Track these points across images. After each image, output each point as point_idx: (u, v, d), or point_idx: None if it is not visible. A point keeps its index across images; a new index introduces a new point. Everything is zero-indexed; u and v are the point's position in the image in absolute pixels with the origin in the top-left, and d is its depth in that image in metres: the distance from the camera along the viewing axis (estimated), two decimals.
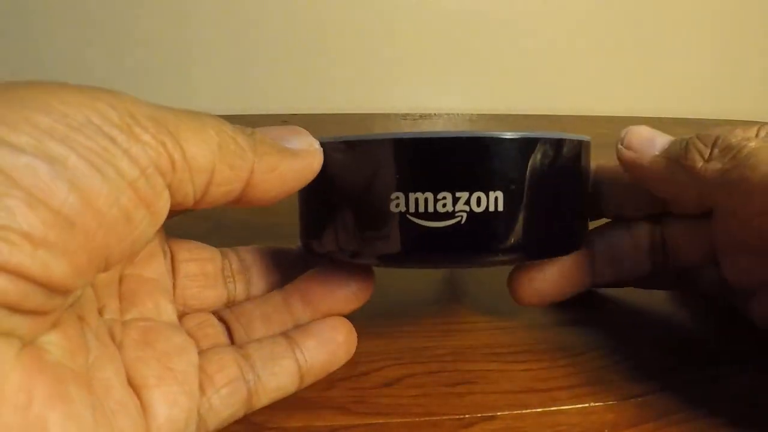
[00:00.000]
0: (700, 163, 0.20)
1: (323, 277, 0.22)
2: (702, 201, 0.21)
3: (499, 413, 0.21)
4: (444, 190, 0.18)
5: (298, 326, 0.21)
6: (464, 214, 0.18)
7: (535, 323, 0.26)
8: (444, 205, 0.18)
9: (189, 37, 0.57)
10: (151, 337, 0.18)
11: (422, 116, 0.58)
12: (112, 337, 0.17)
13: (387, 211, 0.19)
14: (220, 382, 0.18)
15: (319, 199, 0.20)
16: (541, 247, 0.20)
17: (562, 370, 0.23)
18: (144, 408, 0.16)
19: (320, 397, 0.21)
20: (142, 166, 0.14)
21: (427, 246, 0.19)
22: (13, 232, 0.12)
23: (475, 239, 0.19)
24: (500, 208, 0.18)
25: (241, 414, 0.18)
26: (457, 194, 0.18)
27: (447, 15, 0.60)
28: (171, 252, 0.21)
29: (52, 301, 0.13)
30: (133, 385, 0.16)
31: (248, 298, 0.22)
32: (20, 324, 0.13)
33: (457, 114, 0.60)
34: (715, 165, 0.20)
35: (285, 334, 0.20)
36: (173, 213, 0.17)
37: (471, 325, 0.25)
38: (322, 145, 0.19)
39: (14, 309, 0.13)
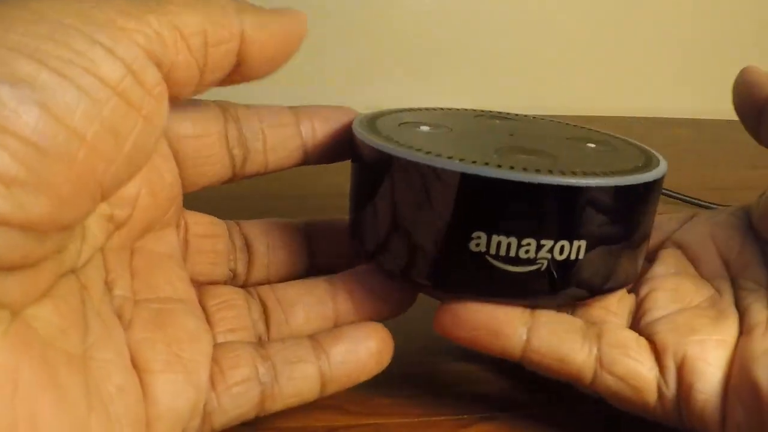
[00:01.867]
0: None
1: (371, 276, 0.20)
2: None
3: (497, 413, 0.20)
4: (529, 237, 0.17)
5: (328, 331, 0.19)
6: (545, 261, 0.17)
7: None
8: (527, 252, 0.17)
9: None
10: (164, 319, 0.17)
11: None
12: (121, 316, 0.16)
13: (465, 248, 0.17)
14: (232, 379, 0.17)
15: (385, 207, 0.19)
16: (610, 283, 0.19)
17: None
18: (145, 393, 0.15)
19: (319, 397, 0.21)
20: (128, 62, 0.12)
21: (501, 286, 0.18)
22: None
23: (551, 284, 0.18)
24: (581, 256, 0.18)
25: (251, 416, 0.18)
26: (542, 242, 0.17)
27: (446, 15, 0.60)
28: (185, 224, 0.20)
29: (41, 246, 0.12)
30: (136, 367, 0.15)
31: (246, 280, 0.21)
32: (8, 287, 0.12)
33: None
34: None
35: (312, 337, 0.19)
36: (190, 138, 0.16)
37: None
38: (405, 162, 0.18)
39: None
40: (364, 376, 0.19)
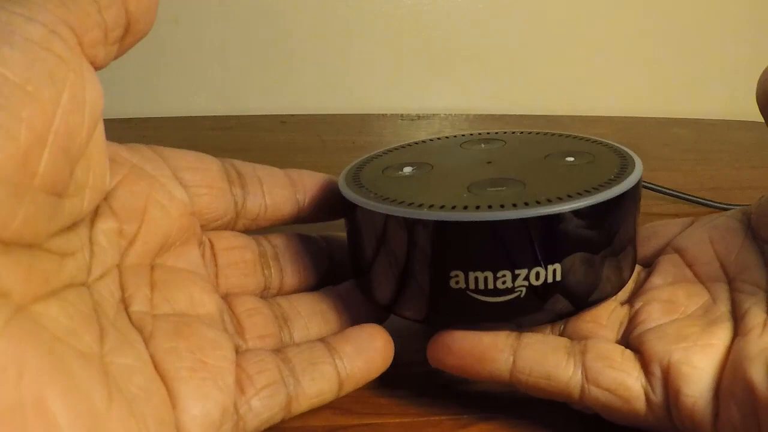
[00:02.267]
0: None
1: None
2: None
3: (497, 413, 0.21)
4: (503, 269, 0.18)
5: (336, 334, 0.20)
6: (523, 289, 0.18)
7: None
8: (504, 283, 0.18)
9: (188, 38, 0.57)
10: (185, 330, 0.17)
11: (419, 116, 0.58)
12: (141, 329, 0.16)
13: (447, 286, 0.19)
14: (260, 383, 0.18)
15: (376, 255, 0.20)
16: (595, 295, 0.20)
17: None
18: (174, 401, 0.15)
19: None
20: (48, 25, 0.13)
21: (485, 316, 0.19)
22: None
23: (533, 308, 0.19)
24: (558, 278, 0.18)
25: (279, 418, 0.18)
26: (517, 271, 0.18)
27: (445, 15, 0.60)
28: (210, 242, 0.21)
29: (24, 208, 0.12)
30: (162, 376, 0.16)
31: (282, 285, 0.22)
32: (7, 271, 0.12)
33: (454, 114, 0.60)
34: None
35: (323, 340, 0.20)
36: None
37: None
38: (382, 215, 0.19)
39: None
40: (375, 374, 0.20)
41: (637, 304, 0.21)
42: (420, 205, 0.19)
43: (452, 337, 0.19)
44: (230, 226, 0.21)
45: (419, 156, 0.24)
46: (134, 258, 0.18)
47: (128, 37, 0.16)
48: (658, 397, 0.18)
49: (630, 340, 0.20)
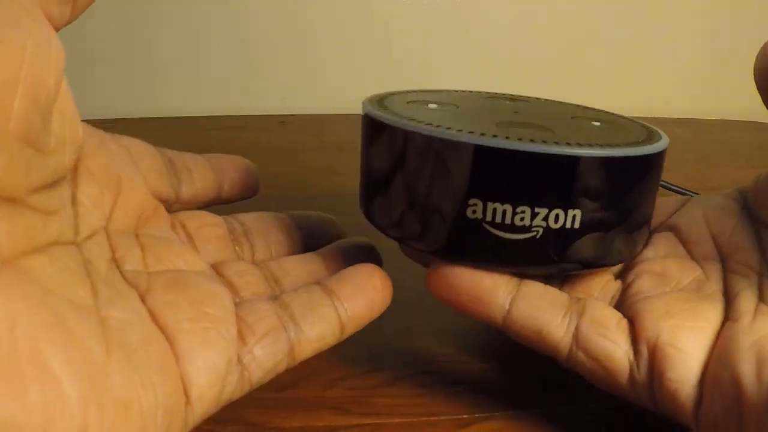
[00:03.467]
0: None
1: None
2: None
3: (496, 413, 0.21)
4: (524, 204, 0.18)
5: (333, 276, 0.20)
6: (540, 229, 0.18)
7: None
8: (522, 219, 0.18)
9: (188, 37, 0.57)
10: (182, 283, 0.17)
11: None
12: (136, 286, 0.16)
13: (463, 215, 0.18)
14: (260, 331, 0.17)
15: (390, 177, 0.20)
16: (609, 256, 0.19)
17: (560, 370, 0.23)
18: (177, 352, 0.15)
19: (319, 398, 0.21)
20: None
21: (498, 253, 0.18)
22: None
23: (546, 253, 0.18)
24: (576, 225, 0.18)
25: (283, 366, 0.18)
26: (537, 209, 0.18)
27: (445, 15, 0.60)
28: (181, 222, 0.21)
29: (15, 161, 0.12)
30: (163, 329, 0.15)
31: (254, 261, 0.22)
32: None
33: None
34: None
35: (319, 283, 0.19)
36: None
37: (470, 325, 0.25)
38: (404, 131, 0.19)
39: None
40: (375, 313, 0.19)
41: (629, 278, 0.20)
42: (448, 128, 0.18)
43: (454, 272, 0.19)
44: (169, 211, 0.21)
45: (444, 98, 0.23)
46: (119, 224, 0.18)
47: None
48: (642, 375, 0.17)
49: (623, 312, 0.19)
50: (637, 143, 0.19)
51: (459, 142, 0.17)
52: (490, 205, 0.18)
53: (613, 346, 0.18)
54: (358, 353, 0.23)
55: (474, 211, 0.18)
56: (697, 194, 0.34)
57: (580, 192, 0.18)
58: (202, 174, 0.22)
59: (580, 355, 0.18)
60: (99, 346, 0.13)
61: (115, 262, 0.17)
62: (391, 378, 0.22)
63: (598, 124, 0.21)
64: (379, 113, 0.20)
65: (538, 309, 0.18)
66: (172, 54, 0.57)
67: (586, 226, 0.18)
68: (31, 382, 0.11)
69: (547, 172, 0.17)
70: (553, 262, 0.19)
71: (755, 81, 0.20)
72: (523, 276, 0.19)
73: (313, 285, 0.19)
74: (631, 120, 0.23)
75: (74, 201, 0.16)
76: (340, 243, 0.22)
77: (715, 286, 0.19)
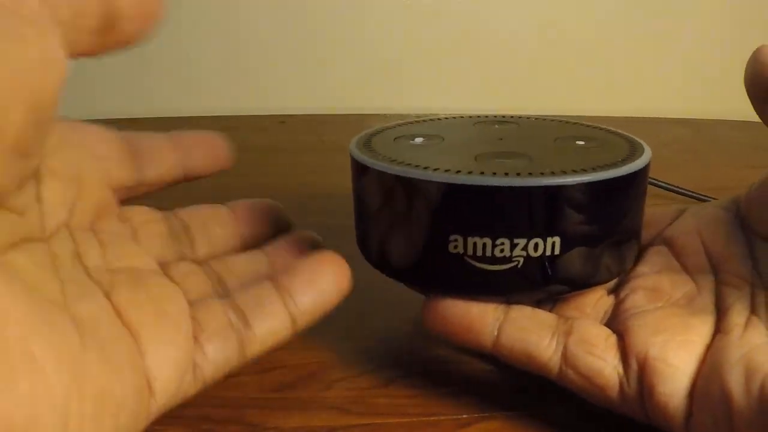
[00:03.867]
0: None
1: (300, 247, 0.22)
2: None
3: (496, 413, 0.21)
4: (502, 237, 0.18)
5: (284, 269, 0.20)
6: (521, 259, 0.18)
7: None
8: (502, 251, 0.18)
9: (188, 37, 0.57)
10: (141, 282, 0.17)
11: (419, 117, 0.58)
12: (99, 283, 0.17)
13: (445, 251, 0.19)
14: (210, 329, 0.18)
15: (376, 214, 0.20)
16: (596, 276, 0.20)
17: None
18: (141, 347, 0.16)
19: (318, 398, 0.21)
20: None
21: (483, 284, 0.19)
22: None
23: (530, 280, 0.19)
24: (557, 251, 0.18)
25: (235, 363, 0.18)
26: (516, 240, 0.18)
27: (445, 15, 0.60)
28: (127, 218, 0.21)
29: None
30: (127, 325, 0.16)
31: (195, 256, 0.22)
32: None
33: (454, 114, 0.60)
34: None
35: (270, 277, 0.20)
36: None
37: None
38: (385, 174, 0.19)
39: None
40: (330, 303, 0.20)
41: (622, 293, 0.21)
42: (425, 168, 0.19)
43: (444, 304, 0.20)
44: (132, 194, 0.21)
45: (431, 129, 0.24)
46: (78, 219, 0.18)
47: (111, 34, 0.15)
48: (632, 389, 0.18)
49: (614, 328, 0.20)
50: (615, 164, 0.19)
51: (433, 182, 0.18)
52: (470, 240, 0.18)
53: (601, 363, 0.18)
54: (358, 354, 0.23)
55: (455, 246, 0.18)
56: (698, 195, 0.34)
57: (557, 220, 0.18)
58: (165, 154, 0.22)
59: (570, 373, 0.18)
60: (76, 340, 0.13)
61: (78, 258, 0.17)
62: (391, 378, 0.22)
63: (582, 143, 0.22)
64: (361, 155, 0.20)
65: (526, 332, 0.19)
66: (172, 54, 0.57)
67: (568, 251, 0.19)
68: (21, 375, 0.11)
69: (520, 204, 0.18)
70: (537, 288, 0.19)
71: (746, 88, 0.20)
72: (512, 302, 0.20)
73: (264, 281, 0.19)
74: (618, 134, 0.23)
75: (39, 198, 0.16)
76: (286, 238, 0.22)
77: (708, 298, 0.19)
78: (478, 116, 0.26)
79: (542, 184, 0.18)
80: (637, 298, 0.20)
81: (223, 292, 0.20)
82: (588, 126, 0.25)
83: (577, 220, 0.18)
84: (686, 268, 0.21)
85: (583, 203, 0.18)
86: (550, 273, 0.19)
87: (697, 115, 0.63)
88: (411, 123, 0.25)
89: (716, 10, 0.63)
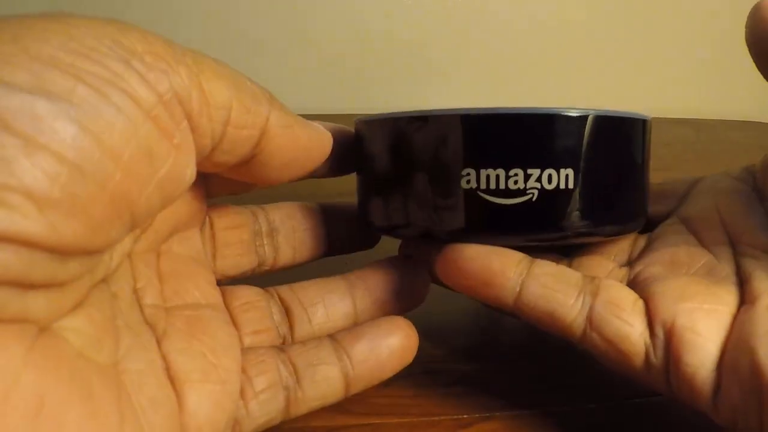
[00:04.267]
0: None
1: (386, 273, 0.21)
2: None
3: (496, 413, 0.20)
4: (515, 167, 0.18)
5: (348, 329, 0.19)
6: (535, 191, 0.18)
7: None
8: (515, 182, 0.18)
9: (188, 37, 0.57)
10: (198, 328, 0.17)
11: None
12: (154, 326, 0.16)
13: (458, 187, 0.18)
14: (259, 386, 0.17)
15: (384, 173, 0.20)
16: (610, 223, 0.20)
17: (560, 370, 0.23)
18: (182, 405, 0.15)
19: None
20: (160, 92, 0.12)
21: (497, 223, 0.18)
22: (11, 191, 0.10)
23: (545, 217, 0.18)
24: (570, 185, 0.18)
25: (277, 421, 0.18)
26: (529, 171, 0.18)
27: (445, 15, 0.60)
28: (210, 220, 0.20)
29: (67, 268, 0.11)
30: (173, 378, 0.15)
31: (275, 262, 0.21)
32: (34, 304, 0.11)
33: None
34: None
35: (332, 337, 0.19)
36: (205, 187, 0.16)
37: (470, 325, 0.25)
38: (390, 120, 0.19)
39: (22, 285, 0.11)
40: (388, 373, 0.19)
41: (637, 267, 0.20)
42: (432, 109, 0.19)
43: (462, 255, 0.18)
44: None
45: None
46: (144, 245, 0.17)
47: (243, 172, 0.16)
48: (658, 359, 0.17)
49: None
50: (626, 112, 0.19)
51: (444, 116, 0.18)
52: (483, 173, 0.18)
53: (629, 328, 0.17)
54: None
55: (468, 181, 0.18)
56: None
57: (569, 151, 0.18)
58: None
59: (594, 336, 0.17)
60: (115, 413, 0.13)
61: (136, 295, 0.16)
62: (391, 378, 0.22)
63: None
64: (366, 118, 0.20)
65: (550, 289, 0.18)
66: None
67: (581, 186, 0.18)
68: None
69: (533, 133, 0.18)
70: (553, 228, 0.19)
71: (748, 45, 0.19)
72: (530, 251, 0.19)
73: (325, 339, 0.19)
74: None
75: None
76: (374, 267, 0.21)
77: (728, 269, 0.19)
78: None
79: (554, 113, 0.18)
80: (654, 269, 0.19)
81: (287, 328, 0.19)
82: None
83: (589, 154, 0.18)
84: (703, 242, 0.20)
85: (593, 137, 0.18)
86: (564, 210, 0.18)
87: (697, 115, 0.63)
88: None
89: (717, 10, 0.63)
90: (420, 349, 0.23)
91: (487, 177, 0.18)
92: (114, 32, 0.12)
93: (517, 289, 0.18)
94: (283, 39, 0.59)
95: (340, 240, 0.22)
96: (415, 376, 0.22)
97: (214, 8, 0.57)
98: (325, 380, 0.18)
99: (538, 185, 0.18)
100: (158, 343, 0.16)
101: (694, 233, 0.21)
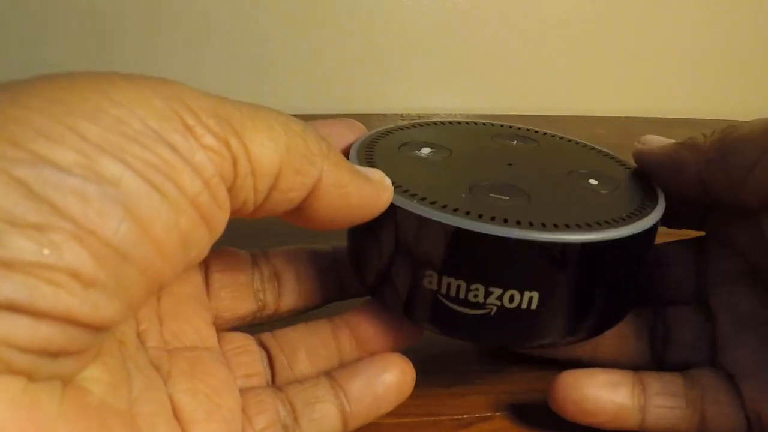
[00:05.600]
0: (701, 140, 0.21)
1: (374, 312, 0.20)
2: (700, 178, 0.20)
3: (497, 413, 0.20)
4: (477, 282, 0.17)
5: (344, 365, 0.19)
6: (494, 308, 0.17)
7: None
8: (475, 296, 0.17)
9: (188, 37, 0.57)
10: (199, 369, 0.17)
11: (420, 117, 0.58)
12: (159, 368, 0.16)
13: (420, 284, 0.18)
14: (259, 425, 0.17)
15: (365, 236, 0.20)
16: (575, 335, 0.19)
17: (560, 370, 0.23)
18: None
19: None
20: (206, 177, 0.12)
21: (453, 325, 0.18)
22: (60, 272, 0.10)
23: (502, 330, 0.18)
24: (533, 306, 0.17)
25: None
26: (491, 288, 0.17)
27: (444, 14, 0.60)
28: (205, 262, 0.20)
29: (98, 339, 0.12)
30: (180, 419, 0.15)
31: (278, 307, 0.21)
32: (64, 365, 0.12)
33: (455, 114, 0.60)
34: (713, 138, 0.21)
35: (329, 375, 0.19)
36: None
37: None
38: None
39: (59, 355, 0.11)
40: (386, 409, 0.19)
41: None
42: (412, 195, 0.18)
43: (580, 395, 0.19)
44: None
45: (441, 137, 0.23)
46: None
47: (281, 216, 0.16)
48: None
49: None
50: (616, 221, 0.18)
51: (412, 213, 0.17)
52: (445, 279, 0.17)
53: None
54: None
55: (430, 282, 0.18)
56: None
57: (536, 275, 0.17)
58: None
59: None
60: None
61: (140, 339, 0.16)
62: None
63: (594, 183, 0.20)
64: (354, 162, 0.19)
65: (670, 411, 0.20)
66: (171, 54, 0.57)
67: (546, 308, 0.18)
68: None
69: (498, 254, 0.17)
70: (509, 339, 0.19)
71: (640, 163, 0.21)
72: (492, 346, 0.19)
73: (322, 378, 0.19)
74: (638, 175, 0.22)
75: None
76: (362, 309, 0.21)
77: None
78: (501, 125, 0.25)
79: (520, 238, 0.16)
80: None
81: (270, 375, 0.19)
82: (612, 158, 0.23)
83: (559, 279, 0.17)
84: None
85: (565, 263, 0.17)
86: (523, 327, 0.18)
87: (697, 115, 0.62)
88: (429, 124, 0.24)
89: (717, 9, 0.63)
90: (421, 349, 0.23)
91: (448, 284, 0.17)
92: (161, 107, 0.12)
93: (641, 418, 0.19)
94: (282, 38, 0.59)
95: (354, 285, 0.22)
96: (416, 376, 0.22)
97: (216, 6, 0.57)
98: (322, 417, 0.18)
99: (499, 303, 0.17)
100: (164, 382, 0.16)
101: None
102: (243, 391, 0.18)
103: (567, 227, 0.17)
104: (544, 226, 0.17)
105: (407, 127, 0.23)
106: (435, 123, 0.24)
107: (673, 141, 0.21)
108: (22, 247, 0.10)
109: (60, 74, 0.12)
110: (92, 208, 0.11)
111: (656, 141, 0.22)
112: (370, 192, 0.17)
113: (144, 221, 0.11)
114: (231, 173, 0.13)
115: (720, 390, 0.20)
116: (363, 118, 0.22)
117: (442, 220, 0.17)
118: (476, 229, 0.17)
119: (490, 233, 0.16)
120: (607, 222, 0.18)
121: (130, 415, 0.14)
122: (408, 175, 0.19)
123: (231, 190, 0.13)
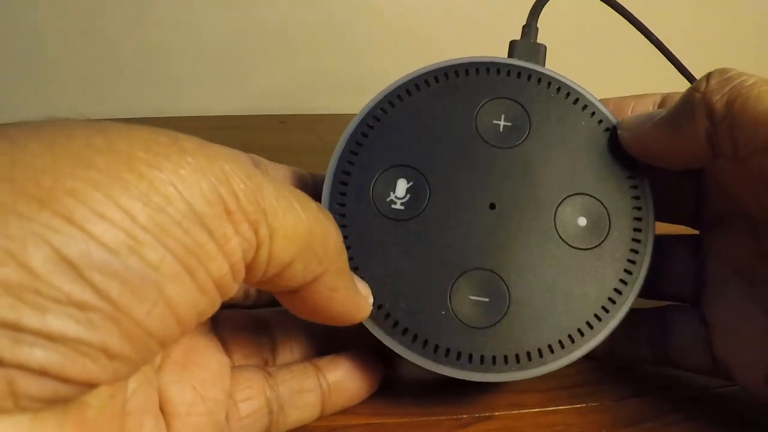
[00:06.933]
0: (703, 86, 0.20)
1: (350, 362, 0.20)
2: (698, 155, 0.20)
3: (496, 413, 0.21)
4: None
5: (329, 358, 0.20)
6: None
7: None
8: None
9: (188, 37, 0.57)
10: (191, 359, 0.17)
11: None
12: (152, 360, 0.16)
13: None
14: (245, 411, 0.18)
15: None
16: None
17: (559, 370, 0.23)
18: None
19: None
20: (233, 261, 0.13)
21: None
22: (92, 347, 0.11)
23: None
24: None
25: None
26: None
27: (444, 14, 0.60)
28: None
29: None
30: (164, 411, 0.16)
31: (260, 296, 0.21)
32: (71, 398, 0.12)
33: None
34: (717, 95, 0.19)
35: (314, 363, 0.20)
36: None
37: None
38: None
39: (69, 401, 0.12)
40: (357, 400, 0.20)
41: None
42: (387, 316, 0.19)
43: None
44: None
45: (421, 155, 0.22)
46: None
47: (276, 295, 0.17)
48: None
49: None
50: (573, 339, 0.20)
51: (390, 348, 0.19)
52: None
53: None
54: None
55: None
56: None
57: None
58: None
59: None
60: None
61: None
62: (391, 378, 0.22)
63: (583, 223, 0.21)
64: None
65: None
66: (170, 54, 0.57)
67: None
68: None
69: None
70: None
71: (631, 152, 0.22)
72: None
73: (309, 365, 0.19)
74: (631, 201, 0.21)
75: None
76: (347, 356, 0.21)
77: None
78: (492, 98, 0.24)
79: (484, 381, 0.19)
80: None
81: (270, 355, 0.20)
82: (600, 122, 0.24)
83: None
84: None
85: None
86: None
87: None
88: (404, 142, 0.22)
89: (716, 10, 0.63)
90: None
91: None
92: (209, 191, 0.12)
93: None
94: (282, 38, 0.59)
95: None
96: (416, 376, 0.22)
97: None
98: (305, 405, 0.19)
99: None
100: (156, 372, 0.16)
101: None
102: (235, 372, 0.18)
103: (525, 356, 0.19)
104: (505, 363, 0.19)
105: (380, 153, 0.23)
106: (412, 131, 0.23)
107: (658, 112, 0.22)
108: (64, 323, 0.11)
109: (119, 134, 0.12)
110: (131, 293, 0.11)
111: (637, 122, 0.23)
112: (352, 304, 0.18)
113: (172, 302, 0.12)
114: (252, 256, 0.14)
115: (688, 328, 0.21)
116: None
117: (420, 363, 0.19)
118: (457, 377, 0.19)
119: (468, 379, 0.19)
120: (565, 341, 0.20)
121: (122, 416, 0.14)
122: (382, 262, 0.20)
123: (247, 269, 0.14)
